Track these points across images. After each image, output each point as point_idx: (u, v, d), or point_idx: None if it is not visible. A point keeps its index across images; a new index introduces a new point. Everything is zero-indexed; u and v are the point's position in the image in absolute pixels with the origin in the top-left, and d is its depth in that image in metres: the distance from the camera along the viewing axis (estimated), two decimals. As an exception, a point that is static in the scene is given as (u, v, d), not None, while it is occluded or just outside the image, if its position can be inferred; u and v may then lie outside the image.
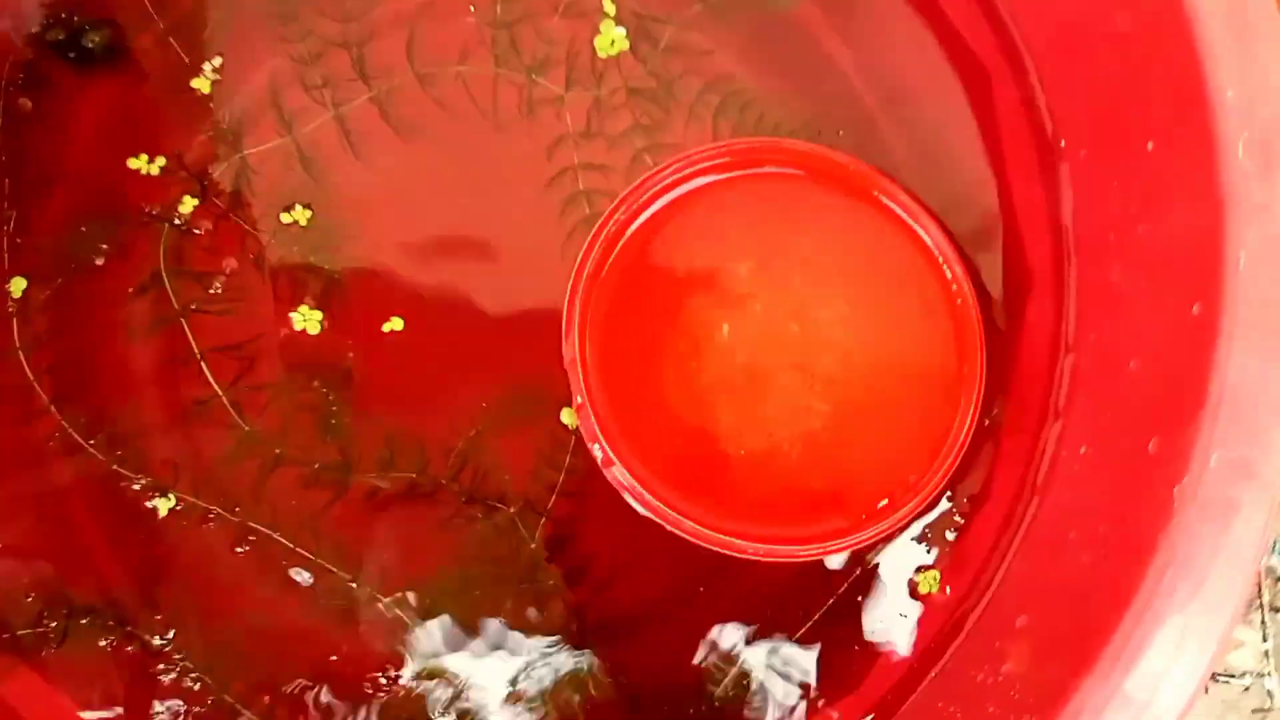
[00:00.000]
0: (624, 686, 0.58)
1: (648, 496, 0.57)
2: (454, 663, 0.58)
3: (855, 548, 0.58)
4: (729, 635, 0.59)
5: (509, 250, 0.62)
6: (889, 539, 0.59)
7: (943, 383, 0.59)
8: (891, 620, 0.59)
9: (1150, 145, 0.53)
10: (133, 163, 0.61)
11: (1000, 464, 0.59)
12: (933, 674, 0.56)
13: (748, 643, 0.58)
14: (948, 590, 0.58)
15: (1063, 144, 0.61)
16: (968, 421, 0.58)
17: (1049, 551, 0.55)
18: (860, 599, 0.59)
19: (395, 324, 0.60)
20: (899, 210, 0.59)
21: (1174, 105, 0.50)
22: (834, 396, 0.59)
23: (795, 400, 0.59)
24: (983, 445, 0.59)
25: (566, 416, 0.60)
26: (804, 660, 0.58)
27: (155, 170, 0.62)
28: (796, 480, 0.58)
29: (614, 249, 0.59)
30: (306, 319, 0.61)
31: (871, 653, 0.58)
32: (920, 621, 0.58)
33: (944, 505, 0.59)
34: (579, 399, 0.57)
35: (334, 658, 0.58)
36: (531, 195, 0.62)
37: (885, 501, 0.58)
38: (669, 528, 0.57)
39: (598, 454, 0.57)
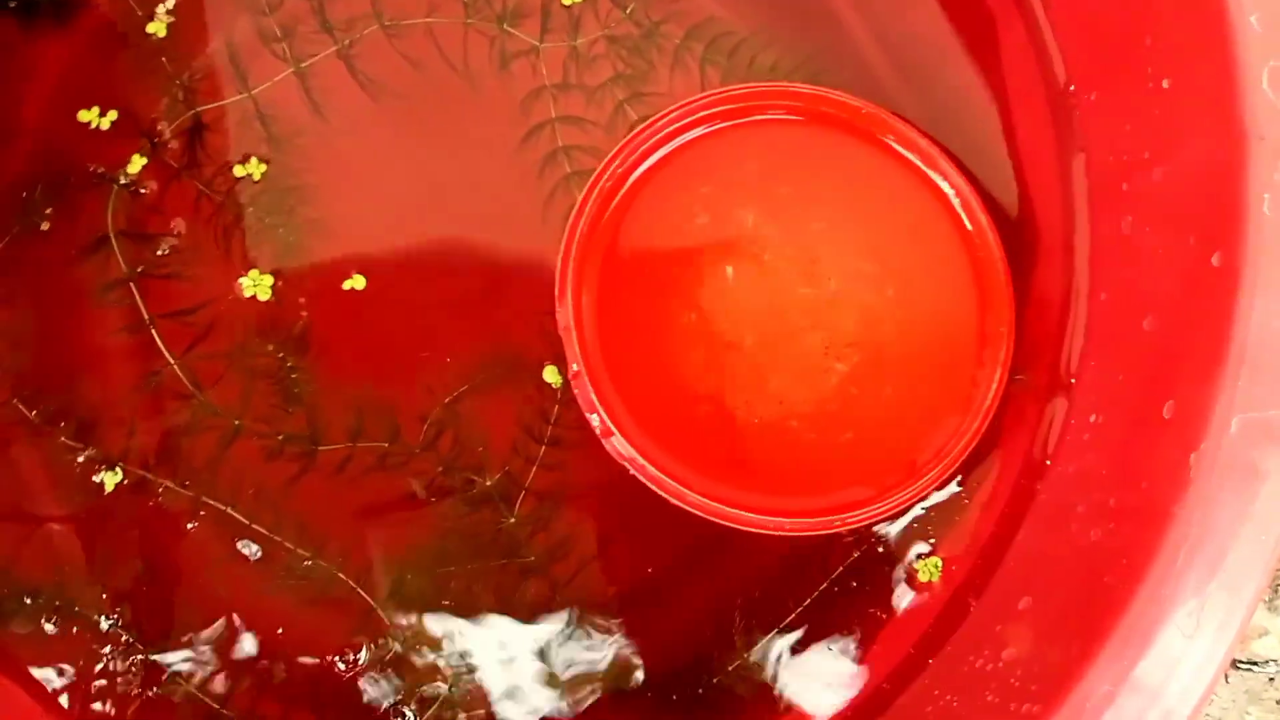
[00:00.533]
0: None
1: (650, 468, 0.53)
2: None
3: (876, 519, 0.54)
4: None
5: (485, 210, 0.58)
6: (904, 512, 0.55)
7: (967, 340, 0.55)
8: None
9: (1166, 83, 0.49)
10: (83, 115, 0.58)
11: (1005, 436, 0.55)
12: (930, 661, 0.52)
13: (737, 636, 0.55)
14: (952, 569, 0.54)
15: (1072, 87, 0.56)
16: (995, 381, 0.54)
17: (1054, 527, 0.51)
18: (855, 583, 0.55)
19: (357, 282, 0.57)
20: (914, 157, 0.56)
21: (1192, 35, 0.46)
22: (849, 357, 0.55)
23: (808, 363, 0.55)
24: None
25: (550, 375, 0.56)
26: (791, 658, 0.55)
27: (106, 124, 0.58)
28: (811, 448, 0.55)
29: (610, 205, 0.56)
30: (257, 284, 0.57)
31: (867, 639, 0.54)
32: (918, 607, 0.54)
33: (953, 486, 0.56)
34: (575, 366, 0.54)
35: (282, 633, 0.55)
36: (507, 152, 0.58)
37: (907, 469, 0.54)
38: (674, 501, 0.54)
39: (596, 424, 0.54)
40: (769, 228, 0.56)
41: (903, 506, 0.54)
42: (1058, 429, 0.54)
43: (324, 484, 0.56)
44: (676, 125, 0.55)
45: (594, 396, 0.54)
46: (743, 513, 0.53)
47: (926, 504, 0.55)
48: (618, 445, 0.54)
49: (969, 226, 0.55)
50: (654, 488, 0.54)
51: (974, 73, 0.59)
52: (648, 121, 0.56)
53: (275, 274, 0.57)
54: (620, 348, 0.55)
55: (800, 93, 0.56)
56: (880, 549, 0.55)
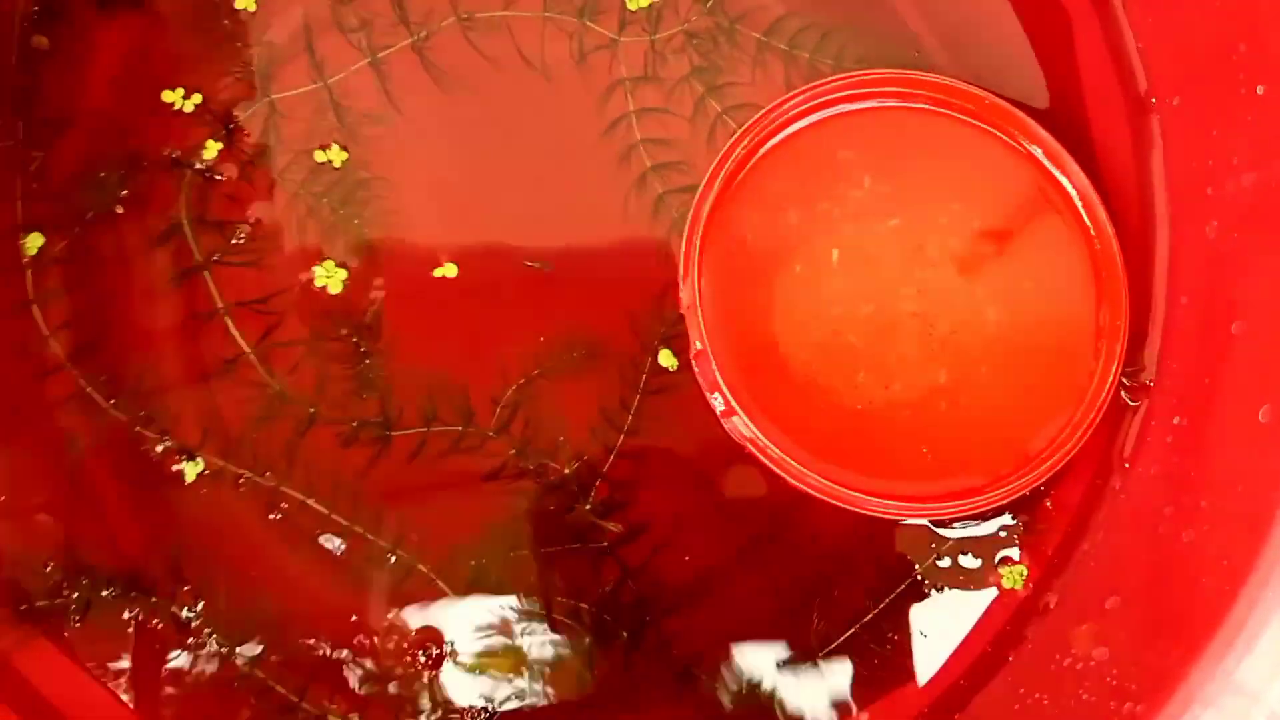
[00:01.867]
0: (675, 658, 0.55)
1: (772, 448, 0.54)
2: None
3: (988, 508, 0.54)
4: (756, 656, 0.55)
5: (562, 205, 0.58)
6: (1015, 502, 0.55)
7: (1082, 333, 0.55)
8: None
9: (1261, 89, 0.49)
10: (167, 96, 0.58)
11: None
12: (1010, 659, 0.52)
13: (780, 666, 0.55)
14: (1030, 585, 0.54)
15: (1153, 99, 0.56)
16: (1112, 374, 0.54)
17: (1140, 529, 0.51)
18: (928, 584, 0.55)
19: (449, 270, 0.57)
20: (1036, 150, 0.56)
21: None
22: (960, 347, 0.55)
23: (919, 350, 0.55)
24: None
25: (665, 358, 0.56)
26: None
27: (190, 107, 0.58)
28: (922, 435, 0.55)
29: (731, 186, 0.56)
30: (330, 276, 0.57)
31: (943, 635, 0.55)
32: (994, 605, 0.55)
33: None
34: (698, 345, 0.54)
35: (373, 633, 0.55)
36: (585, 147, 0.58)
37: (1019, 458, 0.54)
38: (794, 483, 0.54)
39: (718, 403, 0.54)
40: (886, 214, 0.56)
41: (1015, 496, 0.54)
42: (1135, 431, 0.54)
43: (399, 469, 0.56)
44: (799, 110, 0.56)
45: (718, 375, 0.54)
46: (861, 496, 0.53)
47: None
48: (739, 425, 0.54)
49: (1087, 222, 0.55)
50: (775, 468, 0.54)
51: (1048, 73, 0.59)
52: (772, 105, 0.56)
53: (348, 265, 0.57)
54: (737, 330, 0.55)
55: (923, 80, 0.56)
56: (962, 552, 0.55)
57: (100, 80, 0.59)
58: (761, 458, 0.54)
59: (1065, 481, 0.55)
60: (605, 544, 0.56)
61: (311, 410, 0.56)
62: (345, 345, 0.57)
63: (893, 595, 0.55)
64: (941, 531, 0.55)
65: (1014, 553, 0.55)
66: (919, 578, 0.55)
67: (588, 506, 0.56)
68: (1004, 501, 0.54)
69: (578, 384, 0.57)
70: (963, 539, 0.55)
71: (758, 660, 0.55)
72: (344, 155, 0.58)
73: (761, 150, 0.56)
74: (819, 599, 0.56)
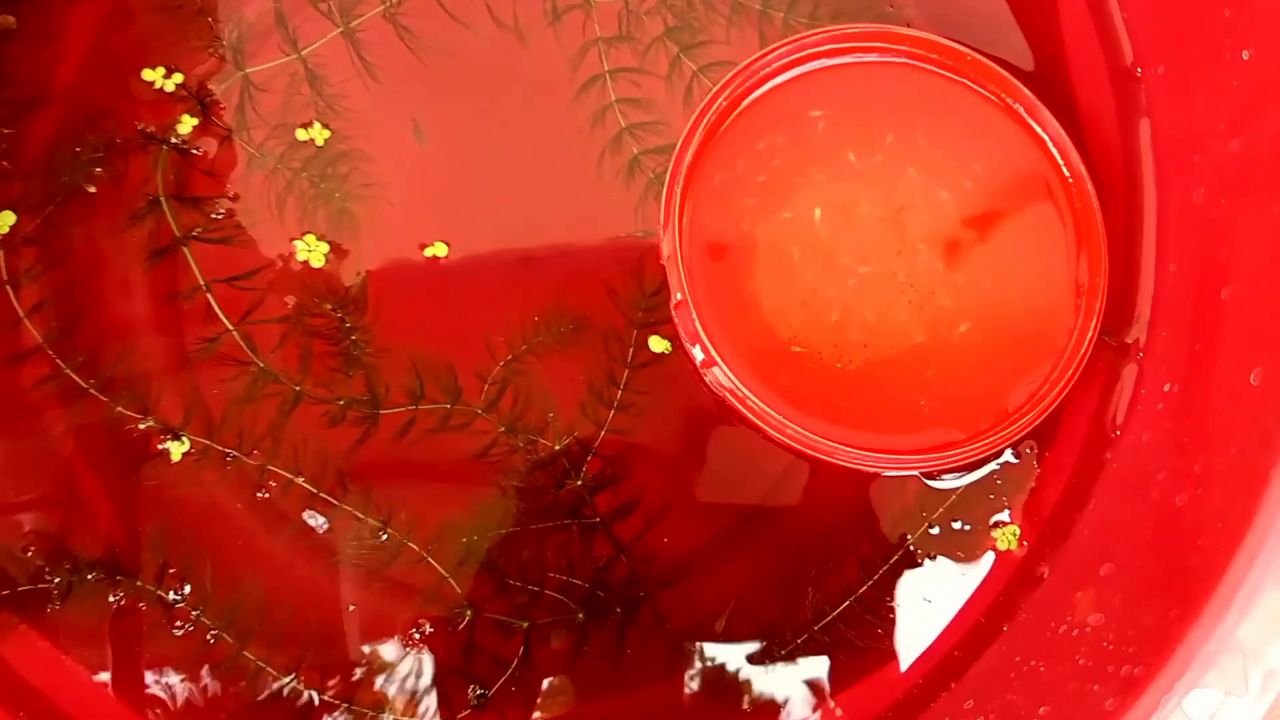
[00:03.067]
0: (669, 633, 0.55)
1: (752, 399, 0.53)
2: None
3: (966, 461, 0.54)
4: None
5: (538, 169, 0.58)
6: (993, 457, 0.55)
7: (1062, 289, 0.55)
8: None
9: (1246, 54, 0.49)
10: (148, 74, 0.57)
11: (1069, 403, 0.55)
12: (1004, 628, 0.53)
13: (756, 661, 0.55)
14: (1024, 544, 0.55)
15: (1139, 70, 0.56)
16: (1090, 330, 0.54)
17: (1133, 494, 0.51)
18: (921, 553, 0.55)
19: (439, 249, 0.56)
20: (1017, 105, 0.56)
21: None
22: (939, 304, 0.55)
23: (898, 307, 0.55)
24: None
25: (656, 344, 0.56)
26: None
27: (171, 86, 0.57)
28: (902, 390, 0.55)
29: (712, 138, 0.56)
30: (312, 250, 0.56)
31: (937, 608, 0.55)
32: (986, 576, 0.55)
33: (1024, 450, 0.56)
34: (678, 295, 0.54)
35: (363, 612, 0.54)
36: (560, 109, 0.58)
37: (998, 414, 0.54)
38: (773, 434, 0.53)
39: (698, 354, 0.54)
40: (867, 168, 0.56)
41: (993, 451, 0.54)
42: (1126, 398, 0.54)
43: (387, 448, 0.55)
44: (780, 64, 0.56)
45: (699, 326, 0.53)
46: (839, 447, 0.53)
47: (999, 463, 0.56)
48: (719, 376, 0.54)
49: (1067, 175, 0.56)
50: (754, 419, 0.54)
51: (1031, 40, 0.59)
52: (754, 57, 0.55)
53: (329, 238, 0.56)
54: (718, 283, 0.55)
55: (903, 35, 0.56)
56: (954, 520, 0.55)
57: (71, 58, 0.57)
58: (741, 408, 0.54)
59: (1056, 451, 0.56)
60: (597, 520, 0.56)
61: (297, 388, 0.55)
62: (330, 321, 0.56)
63: (886, 566, 0.55)
64: (935, 486, 0.55)
65: (1005, 515, 0.55)
66: (912, 548, 0.55)
67: (579, 482, 0.56)
68: (982, 456, 0.54)
69: (566, 359, 0.56)
70: (953, 505, 0.56)
71: (752, 633, 0.55)
72: (326, 134, 0.57)
73: (743, 104, 0.56)
74: (814, 570, 0.56)
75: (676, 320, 0.54)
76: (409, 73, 0.58)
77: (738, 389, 0.53)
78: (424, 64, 0.58)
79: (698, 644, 0.55)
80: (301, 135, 0.57)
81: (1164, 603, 0.43)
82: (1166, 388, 0.52)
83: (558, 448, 0.56)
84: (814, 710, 0.54)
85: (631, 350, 0.56)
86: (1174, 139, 0.55)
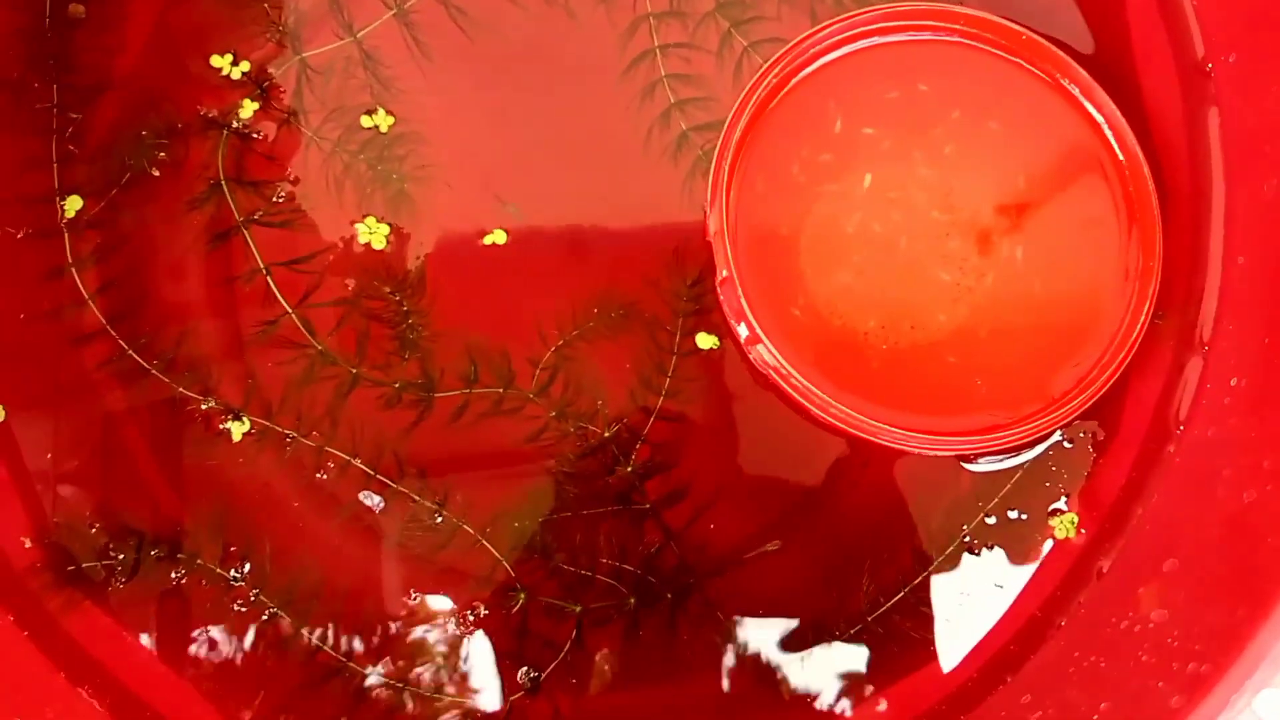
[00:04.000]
0: (720, 620, 0.55)
1: (796, 376, 0.53)
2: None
3: (1011, 445, 0.54)
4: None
5: (590, 150, 0.58)
6: (1039, 441, 0.55)
7: (1113, 273, 0.54)
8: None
9: (1325, 38, 0.48)
10: (216, 61, 0.57)
11: (1130, 395, 0.54)
12: (1062, 623, 0.52)
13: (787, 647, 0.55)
14: (1083, 532, 0.54)
15: (1208, 59, 0.55)
16: (1143, 315, 0.53)
17: (1198, 490, 0.50)
18: (976, 543, 0.55)
19: (498, 236, 0.56)
20: (1072, 86, 0.55)
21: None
22: (988, 286, 0.55)
23: (946, 290, 0.55)
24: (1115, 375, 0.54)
25: (703, 340, 0.56)
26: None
27: (238, 74, 0.57)
28: (947, 372, 0.54)
29: (763, 115, 0.55)
30: (373, 232, 0.56)
31: (993, 600, 0.54)
32: (1042, 570, 0.54)
33: (1079, 436, 0.55)
34: (724, 272, 0.54)
35: (419, 594, 0.55)
36: (610, 86, 0.57)
37: (1045, 398, 0.54)
38: (816, 412, 0.53)
39: (743, 331, 0.54)
40: (918, 147, 0.55)
41: (1038, 435, 0.54)
42: (1190, 392, 0.53)
43: (441, 431, 0.55)
44: (833, 40, 0.55)
45: (744, 303, 0.53)
46: (882, 426, 0.53)
47: (1047, 447, 0.55)
48: (763, 354, 0.53)
49: (1122, 159, 0.55)
50: (797, 398, 0.53)
51: (1093, 25, 0.57)
52: (806, 34, 0.55)
53: (389, 221, 0.57)
54: (763, 261, 0.55)
55: (957, 14, 0.55)
56: (1010, 509, 0.55)
57: (133, 45, 0.58)
58: (785, 386, 0.53)
59: (1118, 444, 0.55)
60: (648, 506, 0.56)
61: (354, 371, 0.56)
62: (387, 304, 0.56)
63: (942, 556, 0.55)
64: (975, 470, 0.55)
65: (1062, 504, 0.55)
66: (968, 538, 0.55)
67: (629, 469, 0.56)
68: (1027, 439, 0.54)
69: (616, 345, 0.56)
70: (1009, 494, 0.55)
71: (803, 623, 0.55)
72: (390, 120, 0.57)
73: (793, 81, 0.56)
74: (867, 561, 0.55)
75: (721, 297, 0.54)
76: (462, 53, 0.58)
77: (782, 367, 0.53)
78: (475, 44, 0.58)
79: (748, 632, 0.55)
80: (366, 122, 0.57)
81: (1231, 601, 0.42)
82: (1233, 382, 0.51)
83: (607, 435, 0.56)
84: (864, 702, 0.54)
85: (678, 338, 0.56)
86: (1244, 129, 0.54)
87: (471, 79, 0.58)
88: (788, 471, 0.56)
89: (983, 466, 0.55)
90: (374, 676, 0.54)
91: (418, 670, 0.54)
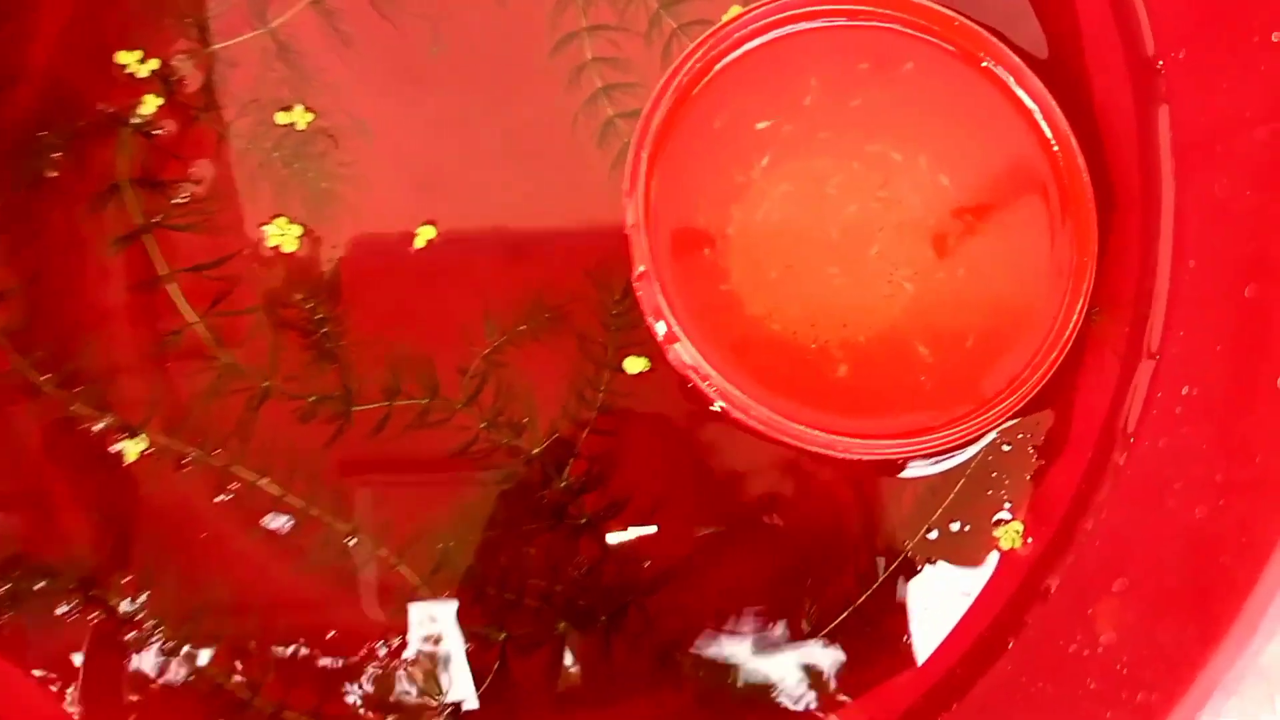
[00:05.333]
0: (657, 641, 0.52)
1: (716, 377, 0.50)
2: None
3: (942, 447, 0.52)
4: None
5: (519, 139, 0.55)
6: (972, 441, 0.53)
7: (1046, 268, 0.52)
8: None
9: (1277, 36, 0.46)
10: (122, 57, 0.53)
11: (1079, 403, 0.52)
12: (1010, 644, 0.50)
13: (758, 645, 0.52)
14: (1029, 541, 0.52)
15: (1160, 62, 0.53)
16: (1076, 311, 0.51)
17: (1149, 503, 0.48)
18: (920, 559, 0.52)
19: (427, 232, 0.53)
20: (1003, 72, 0.53)
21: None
22: (917, 279, 0.53)
23: (873, 283, 0.53)
24: (1060, 381, 0.52)
25: (632, 365, 0.53)
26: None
27: (146, 72, 0.54)
28: (876, 373, 0.52)
29: (685, 101, 0.53)
30: (284, 234, 0.53)
31: (937, 620, 0.52)
32: (990, 588, 0.52)
33: (1018, 441, 0.53)
34: (641, 267, 0.51)
35: (331, 622, 0.51)
36: (537, 71, 0.55)
37: (976, 398, 0.52)
38: (736, 413, 0.51)
39: (660, 329, 0.51)
40: (846, 136, 0.53)
41: (971, 436, 0.52)
42: (1140, 400, 0.51)
43: (361, 446, 0.52)
44: (760, 24, 0.53)
45: (661, 300, 0.51)
46: (810, 431, 0.50)
47: (980, 450, 0.53)
48: (681, 353, 0.51)
49: (1055, 147, 0.53)
50: (718, 399, 0.51)
51: (1043, 21, 0.55)
52: (734, 15, 0.53)
53: (303, 222, 0.53)
54: (685, 255, 0.52)
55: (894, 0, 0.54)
56: (952, 521, 0.53)
57: (30, 40, 0.54)
58: (703, 386, 0.51)
59: (1066, 455, 0.53)
60: (583, 521, 0.53)
61: (265, 384, 0.53)
62: (301, 312, 0.53)
63: (884, 574, 0.53)
64: (910, 475, 0.53)
65: (1005, 513, 0.53)
66: (910, 554, 0.53)
67: (563, 484, 0.53)
68: (958, 441, 0.52)
69: (549, 350, 0.53)
70: (952, 506, 0.53)
71: (744, 644, 0.52)
72: (309, 116, 0.54)
73: (718, 65, 0.53)
74: (809, 579, 0.53)
75: (639, 294, 0.51)
76: (385, 41, 0.55)
77: (701, 367, 0.50)
78: (399, 30, 0.55)
79: (686, 651, 0.52)
80: (282, 119, 0.54)
81: (1183, 622, 0.40)
82: (1184, 391, 0.49)
83: (535, 452, 0.53)
84: (808, 724, 0.52)
85: (609, 351, 0.54)
86: (1194, 127, 0.52)
87: (395, 69, 0.55)
88: (728, 483, 0.54)
89: (913, 472, 0.53)
90: (284, 713, 0.51)
91: (331, 701, 0.51)
